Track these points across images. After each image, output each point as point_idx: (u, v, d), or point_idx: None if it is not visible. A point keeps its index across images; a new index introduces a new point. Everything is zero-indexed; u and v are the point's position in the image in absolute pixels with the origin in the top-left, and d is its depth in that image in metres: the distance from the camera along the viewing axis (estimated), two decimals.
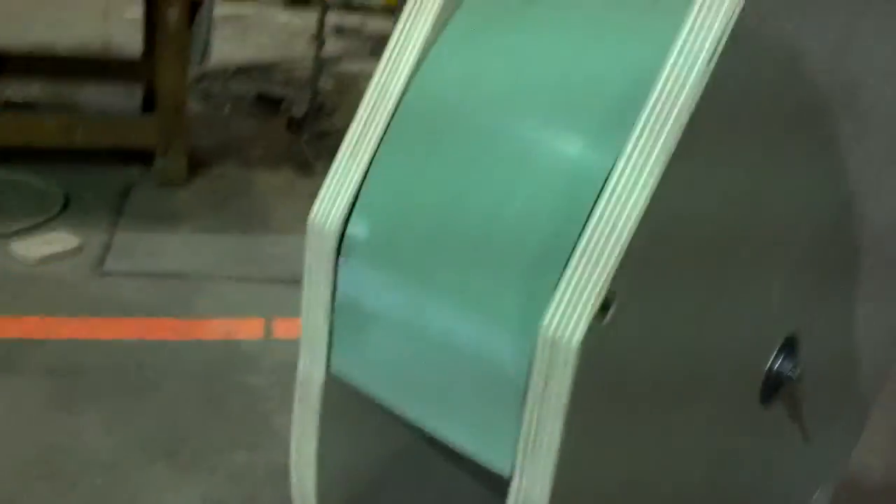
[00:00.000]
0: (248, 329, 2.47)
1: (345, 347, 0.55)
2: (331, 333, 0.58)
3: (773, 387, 0.63)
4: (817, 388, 0.70)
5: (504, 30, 0.58)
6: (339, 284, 0.57)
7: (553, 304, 0.45)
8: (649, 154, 0.47)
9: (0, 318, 2.38)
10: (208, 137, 3.67)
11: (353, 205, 0.56)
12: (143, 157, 3.23)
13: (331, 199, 0.57)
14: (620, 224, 0.45)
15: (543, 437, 0.45)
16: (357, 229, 0.54)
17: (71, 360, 2.24)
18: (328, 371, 0.58)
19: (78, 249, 2.68)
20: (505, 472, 0.49)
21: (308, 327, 0.58)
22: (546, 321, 0.45)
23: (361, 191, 0.56)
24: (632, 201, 0.46)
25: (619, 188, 0.48)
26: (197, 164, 3.33)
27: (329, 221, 0.56)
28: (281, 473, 1.94)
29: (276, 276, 2.73)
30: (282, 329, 2.49)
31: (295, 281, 2.71)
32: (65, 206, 2.93)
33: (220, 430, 2.07)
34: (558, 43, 0.57)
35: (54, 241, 2.66)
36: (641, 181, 0.47)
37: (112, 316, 2.44)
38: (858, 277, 0.74)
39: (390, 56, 0.61)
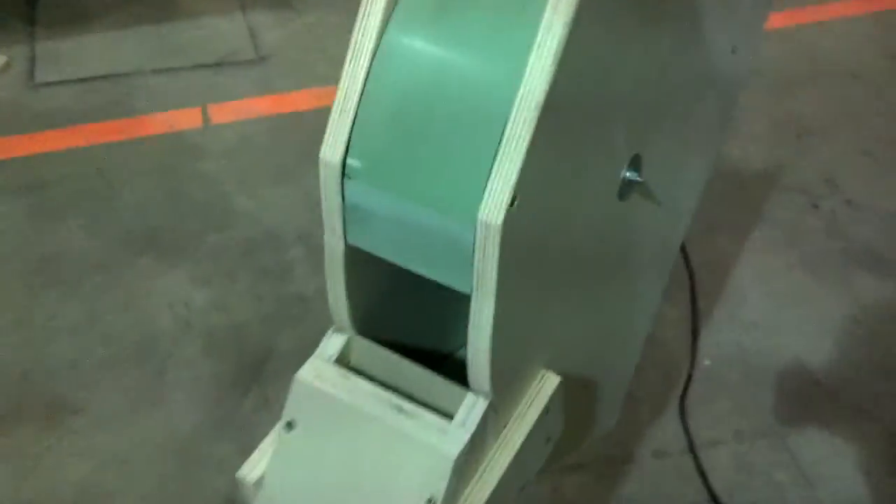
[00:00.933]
0: (187, 119, 2.66)
1: (355, 231, 0.80)
2: (344, 223, 0.82)
3: (627, 189, 0.90)
4: (657, 184, 0.98)
5: None
6: (346, 196, 0.80)
7: (484, 200, 0.70)
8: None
9: None
10: None
11: (349, 143, 0.79)
12: None
13: (332, 142, 0.80)
14: (520, 147, 0.69)
15: (487, 277, 0.72)
16: (352, 160, 0.77)
17: (35, 176, 2.45)
18: (346, 243, 0.82)
19: (6, 66, 2.78)
20: (469, 293, 0.77)
21: (328, 217, 0.82)
22: (481, 210, 0.70)
23: (352, 133, 0.78)
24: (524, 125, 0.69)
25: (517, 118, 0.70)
26: None
27: (333, 156, 0.79)
28: (252, 247, 2.26)
29: (201, 61, 2.89)
30: (218, 114, 2.69)
31: (219, 64, 2.90)
32: None
33: (188, 218, 2.35)
34: None
35: None
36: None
37: (57, 128, 2.61)
38: (681, 116, 1.00)
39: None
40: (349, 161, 0.80)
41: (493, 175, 0.71)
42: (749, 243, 2.33)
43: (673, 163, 1.02)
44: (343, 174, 0.80)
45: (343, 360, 0.91)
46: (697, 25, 0.95)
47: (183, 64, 2.87)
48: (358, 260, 0.87)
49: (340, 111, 0.79)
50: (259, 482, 0.91)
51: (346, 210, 0.82)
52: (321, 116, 2.71)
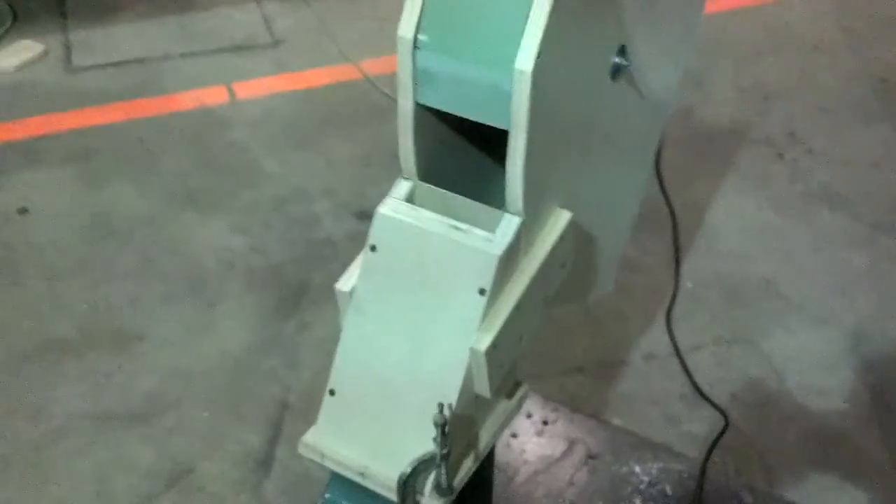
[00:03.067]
0: (214, 96, 2.95)
1: (423, 90, 1.07)
2: (414, 85, 1.10)
3: (616, 70, 1.19)
4: (642, 72, 1.27)
5: None
6: (416, 62, 1.08)
7: (519, 55, 0.99)
8: None
9: (5, 124, 2.80)
10: None
11: (419, 22, 1.07)
12: None
13: (406, 22, 1.08)
14: (542, 17, 0.98)
15: (520, 114, 1.00)
16: (421, 35, 1.04)
17: (81, 147, 2.72)
18: (415, 102, 1.10)
19: (44, 53, 3.05)
20: (507, 128, 1.05)
21: (402, 81, 1.09)
22: (517, 62, 0.99)
23: (421, 15, 1.05)
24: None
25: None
26: None
27: (407, 33, 1.07)
28: (282, 202, 2.54)
29: (222, 46, 3.17)
30: (242, 91, 2.97)
31: (238, 47, 3.17)
32: (14, 18, 3.24)
33: (223, 179, 2.63)
34: None
35: (22, 51, 3.02)
36: None
37: (97, 105, 2.88)
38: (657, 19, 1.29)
39: None
40: (419, 36, 1.07)
41: (524, 37, 1.00)
42: (722, 189, 2.63)
43: (650, 57, 1.30)
44: (414, 46, 1.08)
45: (410, 199, 1.18)
46: None
47: (206, 48, 3.15)
48: (423, 118, 1.14)
49: (412, 1, 1.07)
50: (351, 292, 1.17)
51: (416, 74, 1.09)
52: (335, 91, 3.13)
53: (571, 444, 1.85)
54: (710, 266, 2.38)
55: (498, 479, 1.76)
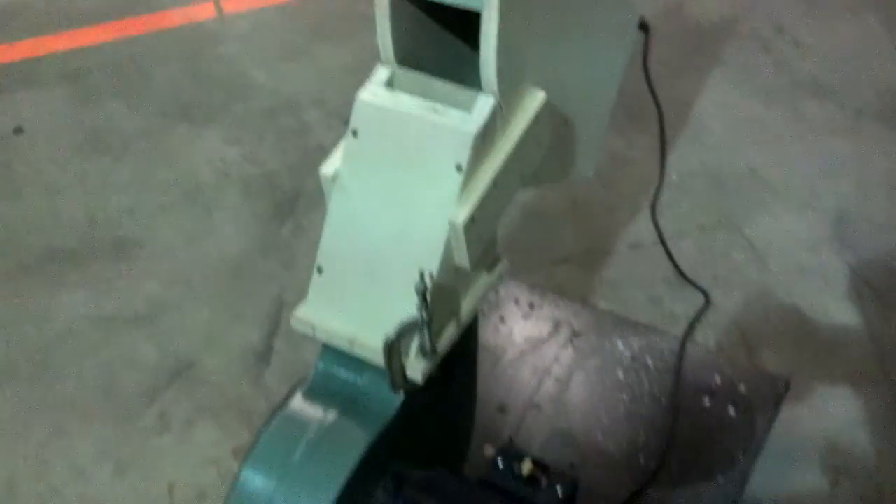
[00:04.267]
0: (202, 12, 2.97)
1: None
2: None
3: None
4: None
5: None
6: None
7: None
8: None
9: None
10: None
11: None
12: None
13: None
14: None
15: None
16: None
17: (73, 67, 2.76)
18: None
19: None
20: (480, 9, 1.08)
21: None
22: None
23: None
24: None
25: None
26: None
27: None
28: (273, 113, 2.58)
29: None
30: (229, 6, 2.99)
31: None
32: None
33: (215, 92, 2.66)
34: None
35: None
36: None
37: (88, 25, 2.91)
38: None
39: None
40: None
41: None
42: (709, 82, 2.66)
43: None
44: None
45: (389, 85, 1.23)
46: None
47: None
48: (399, 4, 1.17)
49: None
50: (335, 176, 1.22)
51: None
52: (320, 2, 3.14)
53: (557, 325, 1.92)
54: (695, 157, 2.42)
55: (486, 360, 1.83)
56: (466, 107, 1.17)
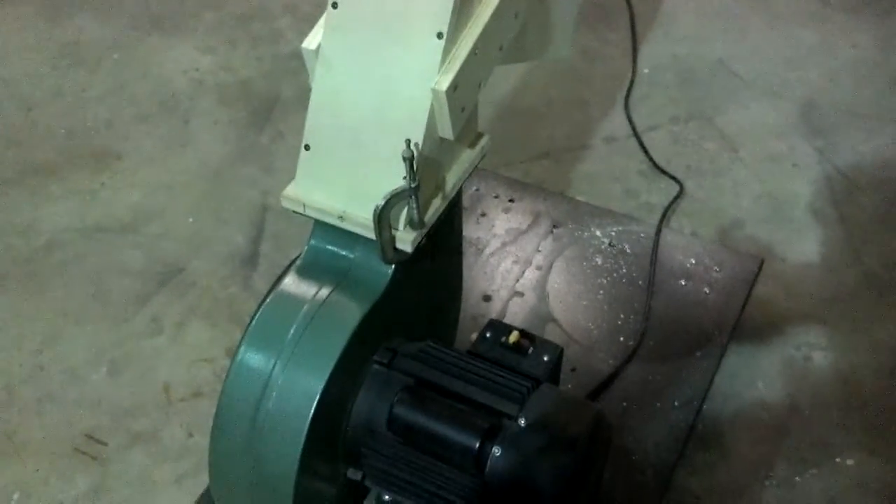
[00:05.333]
0: None
1: None
2: None
3: None
4: None
5: None
6: None
7: None
8: None
9: None
10: None
11: None
12: None
13: None
14: None
15: None
16: None
17: None
18: None
19: None
20: None
21: None
22: None
23: None
24: None
25: None
26: None
27: None
28: (245, 20, 2.57)
29: None
30: None
31: None
32: None
33: (184, 2, 2.64)
34: None
35: None
36: None
37: None
38: None
39: None
40: None
41: None
42: None
43: None
44: None
45: None
46: None
47: None
48: None
49: None
50: (317, 50, 1.25)
51: None
52: None
53: (537, 216, 1.97)
54: (666, 51, 2.45)
55: (470, 252, 1.88)
56: None
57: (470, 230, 1.94)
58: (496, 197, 2.03)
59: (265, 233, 2.06)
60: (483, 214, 1.98)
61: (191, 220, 2.10)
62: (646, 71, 2.39)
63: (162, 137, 2.28)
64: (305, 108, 2.34)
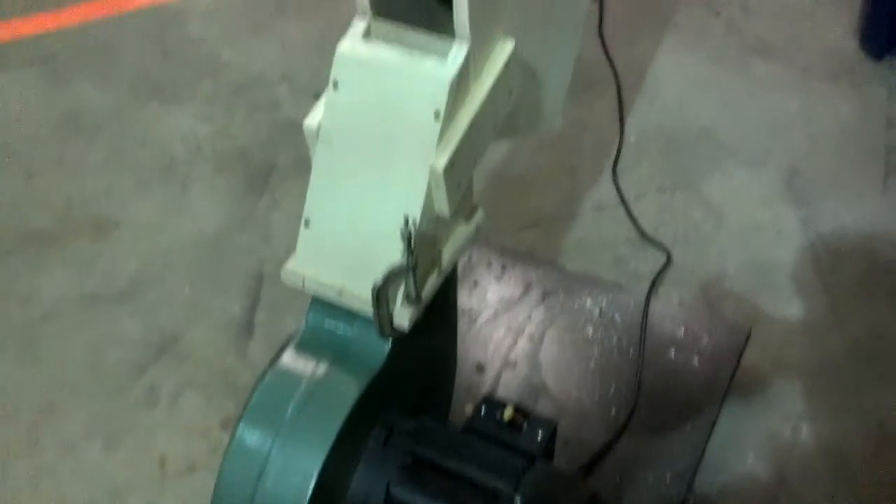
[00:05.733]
0: None
1: None
2: None
3: None
4: None
5: None
6: None
7: None
8: None
9: None
10: None
11: None
12: None
13: None
14: None
15: None
16: None
17: (42, 51, 2.78)
18: None
19: None
20: None
21: None
22: None
23: None
24: None
25: None
26: None
27: None
28: (243, 89, 2.63)
29: None
30: None
31: None
32: None
33: (183, 70, 2.70)
34: None
35: None
36: None
37: (54, 9, 2.92)
38: None
39: None
40: None
41: None
42: (663, 47, 2.74)
43: None
44: None
45: (366, 34, 1.29)
46: None
47: None
48: None
49: None
50: (319, 128, 1.29)
51: None
52: None
53: (528, 286, 2.01)
54: (652, 119, 2.51)
55: (463, 321, 1.92)
56: (441, 54, 1.23)
57: (463, 299, 1.98)
58: (488, 265, 2.07)
59: (261, 301, 2.10)
60: (475, 283, 2.02)
61: (188, 288, 2.13)
62: (633, 139, 2.45)
63: (160, 205, 2.32)
64: (301, 175, 2.39)
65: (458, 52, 1.21)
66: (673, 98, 2.58)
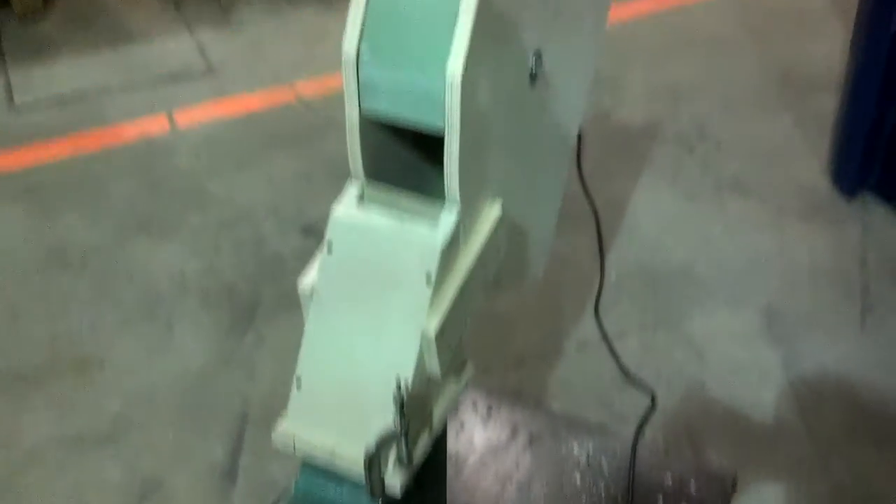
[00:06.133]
0: (156, 125, 3.06)
1: (367, 99, 1.18)
2: (359, 94, 1.23)
3: (534, 74, 1.34)
4: (554, 74, 1.42)
5: None
6: (360, 74, 1.21)
7: (449, 64, 1.13)
8: None
9: None
10: None
11: (360, 38, 1.21)
12: None
13: (349, 38, 1.20)
14: (466, 32, 1.13)
15: (453, 116, 1.15)
16: (363, 48, 1.16)
17: (29, 183, 2.81)
18: (360, 110, 1.22)
19: None
20: (442, 129, 1.20)
21: (348, 91, 1.22)
22: (448, 70, 1.13)
23: (362, 31, 1.20)
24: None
25: None
26: None
27: (350, 48, 1.19)
28: (229, 223, 2.67)
29: (158, 76, 3.28)
30: (183, 119, 3.09)
31: (176, 76, 3.28)
32: None
33: (170, 205, 2.74)
34: None
35: None
36: None
37: (42, 141, 2.97)
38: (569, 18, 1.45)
39: None
40: (361, 50, 1.22)
41: (452, 50, 1.15)
42: (640, 183, 2.82)
43: (564, 64, 1.46)
44: (357, 60, 1.22)
45: (360, 198, 1.33)
46: None
47: (144, 78, 3.26)
48: (367, 125, 1.28)
49: (353, 20, 1.21)
50: (312, 289, 1.31)
51: (360, 84, 1.23)
52: (271, 114, 3.29)
53: (515, 429, 2.02)
54: (632, 257, 2.57)
55: (450, 467, 1.92)
56: (432, 219, 1.28)
57: (450, 443, 1.98)
58: (474, 406, 2.08)
59: (245, 444, 2.09)
60: (462, 425, 2.03)
61: (171, 430, 2.12)
62: (613, 277, 2.50)
63: (145, 343, 2.32)
64: (286, 311, 2.40)
65: (448, 217, 1.25)
66: (651, 235, 2.64)
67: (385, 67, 1.22)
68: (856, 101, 2.63)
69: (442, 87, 1.17)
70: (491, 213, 1.36)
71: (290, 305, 2.43)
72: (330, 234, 1.29)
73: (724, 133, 3.02)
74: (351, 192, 1.32)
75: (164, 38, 3.48)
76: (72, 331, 2.35)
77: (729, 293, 2.45)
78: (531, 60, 1.34)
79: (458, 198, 1.25)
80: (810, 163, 2.90)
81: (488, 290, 1.38)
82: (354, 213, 1.30)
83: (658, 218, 2.70)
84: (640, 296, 2.45)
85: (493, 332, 2.33)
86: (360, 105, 1.24)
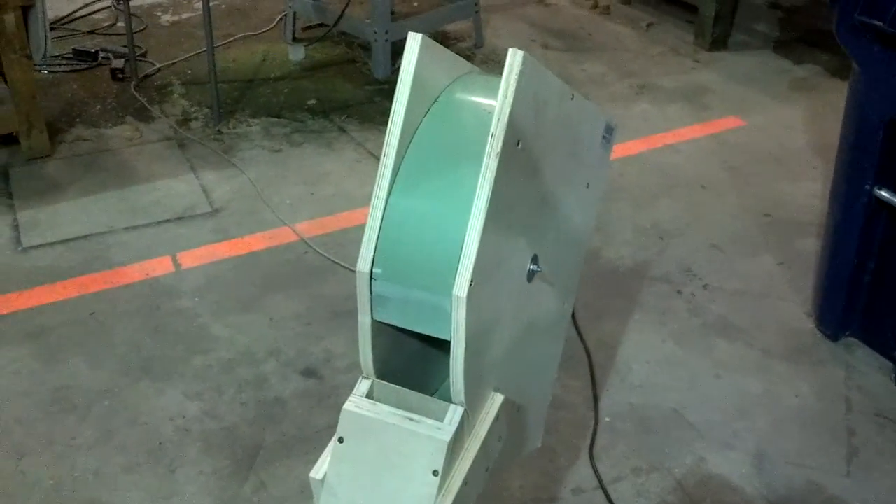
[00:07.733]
0: (160, 266, 3.15)
1: (379, 310, 1.31)
2: (371, 306, 1.34)
3: (531, 275, 1.45)
4: (552, 269, 1.54)
5: None
6: (373, 289, 1.32)
7: (455, 284, 1.26)
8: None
9: None
10: (47, 103, 4.11)
11: (374, 259, 1.33)
12: (5, 141, 3.73)
13: (363, 259, 1.32)
14: (471, 256, 1.27)
15: (459, 328, 1.25)
16: (376, 269, 1.29)
17: (35, 325, 2.88)
18: (372, 319, 1.34)
19: None
20: (449, 339, 1.29)
21: (361, 303, 1.33)
22: (454, 290, 1.26)
23: (375, 253, 1.31)
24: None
25: None
26: (52, 134, 3.83)
27: (364, 267, 1.31)
28: (231, 365, 2.74)
29: (164, 217, 3.40)
30: (186, 260, 3.19)
31: (180, 217, 3.40)
32: None
33: (174, 347, 2.81)
34: None
35: None
36: None
37: (48, 283, 3.06)
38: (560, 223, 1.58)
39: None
40: (374, 269, 1.32)
41: (459, 270, 1.26)
42: (630, 326, 2.92)
43: (558, 258, 1.58)
44: (371, 277, 1.33)
45: (370, 395, 1.41)
46: (563, 172, 1.53)
47: (149, 220, 3.38)
48: (378, 330, 1.38)
49: (367, 241, 1.32)
50: (323, 479, 1.38)
51: (373, 298, 1.34)
52: (273, 254, 3.42)
53: None
54: (624, 399, 2.64)
55: None
56: (439, 416, 1.36)
57: None
58: None
59: None
60: None
61: None
62: (607, 419, 2.57)
63: (148, 489, 2.36)
64: (287, 456, 2.44)
65: (453, 416, 1.35)
66: (643, 377, 2.72)
67: (395, 284, 1.33)
68: (836, 253, 2.76)
69: (448, 304, 1.28)
70: (493, 406, 1.46)
71: (291, 451, 2.49)
72: (341, 426, 1.38)
73: (710, 274, 3.14)
74: (361, 388, 1.41)
75: (168, 180, 3.62)
76: (76, 476, 2.39)
77: (718, 436, 2.52)
78: (529, 264, 1.45)
79: (463, 398, 1.35)
80: (794, 304, 3.01)
81: (491, 472, 1.46)
82: (365, 407, 1.39)
83: (648, 360, 2.79)
84: (633, 439, 2.52)
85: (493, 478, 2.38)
86: (372, 314, 1.35)
